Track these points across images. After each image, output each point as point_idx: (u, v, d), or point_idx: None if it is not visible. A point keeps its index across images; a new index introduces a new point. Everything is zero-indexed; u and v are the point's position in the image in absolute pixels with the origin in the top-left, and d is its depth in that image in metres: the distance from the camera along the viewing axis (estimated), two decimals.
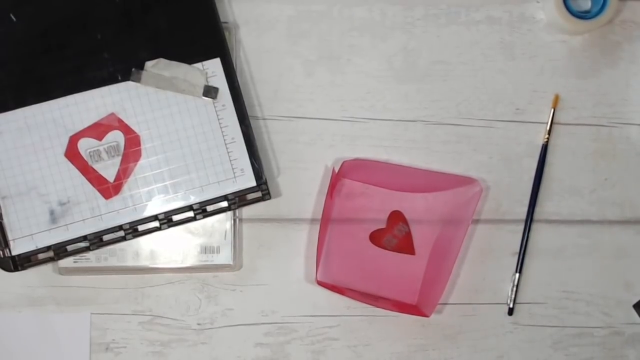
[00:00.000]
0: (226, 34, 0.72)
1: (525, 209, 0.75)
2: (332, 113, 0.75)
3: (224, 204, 0.71)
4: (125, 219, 0.70)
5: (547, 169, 0.76)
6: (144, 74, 0.70)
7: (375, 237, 0.75)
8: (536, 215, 0.75)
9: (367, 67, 0.75)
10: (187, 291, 0.74)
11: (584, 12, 0.76)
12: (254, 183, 0.71)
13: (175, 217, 0.71)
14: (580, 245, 0.76)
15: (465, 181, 0.74)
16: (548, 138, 0.75)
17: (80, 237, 0.70)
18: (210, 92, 0.71)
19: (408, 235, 0.75)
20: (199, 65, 0.71)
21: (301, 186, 0.75)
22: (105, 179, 0.70)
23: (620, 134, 0.76)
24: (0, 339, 0.73)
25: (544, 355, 0.75)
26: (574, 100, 0.76)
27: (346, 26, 0.75)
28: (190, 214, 0.71)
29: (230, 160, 0.71)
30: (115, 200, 0.70)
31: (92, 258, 0.72)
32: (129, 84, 0.70)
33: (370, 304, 0.73)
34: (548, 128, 0.75)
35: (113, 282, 0.74)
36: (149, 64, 0.70)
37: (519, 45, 0.76)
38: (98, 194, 0.70)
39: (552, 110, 0.76)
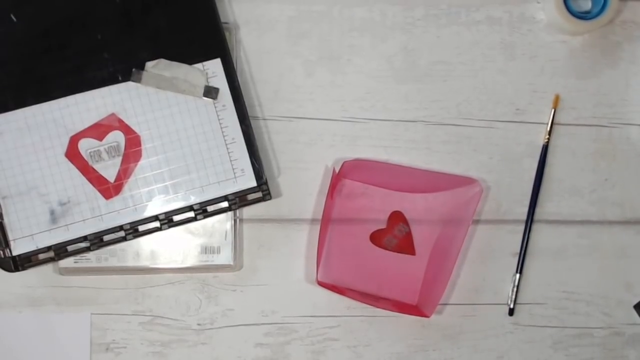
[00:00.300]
0: (226, 34, 0.72)
1: (525, 209, 0.75)
2: (332, 113, 0.75)
3: (225, 204, 0.71)
4: (125, 219, 0.70)
5: (548, 170, 0.76)
6: (145, 74, 0.70)
7: (376, 238, 0.75)
8: (536, 216, 0.75)
9: (367, 67, 0.75)
10: (187, 291, 0.74)
11: (584, 12, 0.76)
12: (254, 183, 0.71)
13: (176, 218, 0.71)
14: (580, 246, 0.76)
15: (465, 181, 0.74)
16: (548, 138, 0.75)
17: (80, 238, 0.70)
18: (210, 92, 0.71)
19: (408, 236, 0.75)
20: (199, 65, 0.71)
21: (301, 186, 0.75)
22: (105, 179, 0.70)
23: (620, 135, 0.76)
24: (0, 339, 0.73)
25: (544, 355, 0.75)
26: (574, 100, 0.76)
27: (346, 26, 0.75)
28: (191, 214, 0.71)
29: (231, 161, 0.71)
30: (116, 200, 0.70)
31: (93, 258, 0.72)
32: (130, 84, 0.70)
33: (371, 305, 0.73)
34: (548, 128, 0.75)
35: (113, 283, 0.74)
36: (149, 64, 0.70)
37: (519, 45, 0.76)
38: (98, 194, 0.70)
39: (553, 111, 0.76)
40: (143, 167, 0.70)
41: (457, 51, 0.76)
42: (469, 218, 0.72)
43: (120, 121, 0.70)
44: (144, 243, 0.72)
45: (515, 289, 0.75)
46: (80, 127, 0.70)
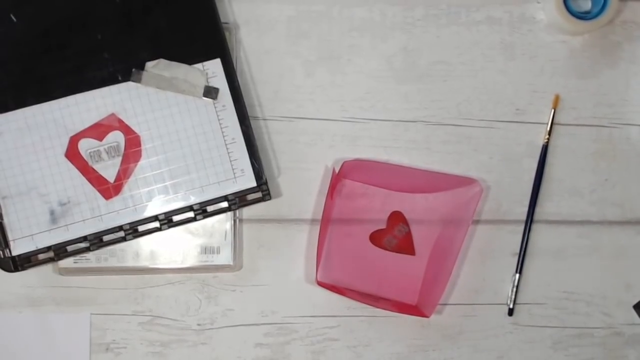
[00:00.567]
0: (226, 34, 0.72)
1: (525, 209, 0.75)
2: (332, 113, 0.75)
3: (224, 204, 0.71)
4: (125, 219, 0.70)
5: (548, 170, 0.76)
6: (145, 74, 0.70)
7: (376, 238, 0.75)
8: (536, 216, 0.75)
9: (367, 67, 0.75)
10: (187, 291, 0.74)
11: (584, 12, 0.76)
12: (254, 183, 0.71)
13: (176, 218, 0.71)
14: (580, 246, 0.76)
15: (465, 181, 0.74)
16: (548, 138, 0.75)
17: (80, 238, 0.70)
18: (210, 92, 0.71)
19: (408, 236, 0.75)
20: (199, 65, 0.71)
21: (301, 186, 0.75)
22: (105, 180, 0.70)
23: (620, 135, 0.76)
24: (0, 339, 0.73)
25: (544, 355, 0.75)
26: (574, 100, 0.76)
27: (346, 26, 0.75)
28: (191, 214, 0.71)
29: (231, 161, 0.71)
30: (116, 200, 0.70)
31: (92, 258, 0.72)
32: (130, 84, 0.70)
33: (370, 305, 0.73)
34: (548, 128, 0.75)
35: (113, 283, 0.74)
36: (149, 65, 0.70)
37: (519, 45, 0.76)
38: (98, 195, 0.70)
39: (553, 111, 0.76)
40: (143, 167, 0.70)
41: (457, 51, 0.76)
42: (469, 218, 0.72)
43: (120, 121, 0.70)
44: (144, 243, 0.72)
45: (515, 289, 0.75)
46: (80, 127, 0.70)
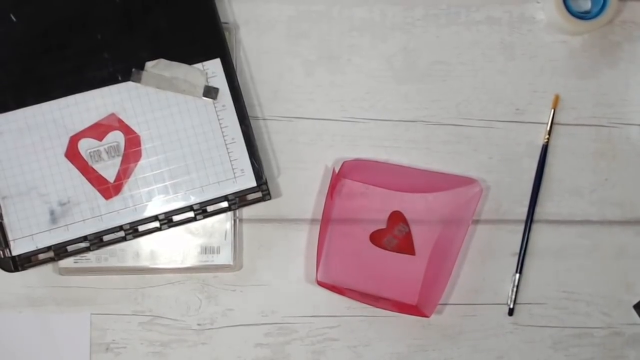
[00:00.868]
0: (226, 34, 0.72)
1: (525, 209, 0.75)
2: (332, 113, 0.75)
3: (224, 204, 0.71)
4: (125, 219, 0.70)
5: (547, 169, 0.76)
6: (144, 74, 0.70)
7: (376, 238, 0.75)
8: (536, 216, 0.75)
9: (367, 67, 0.75)
10: (187, 291, 0.74)
11: (584, 12, 0.76)
12: (254, 183, 0.71)
13: (176, 218, 0.71)
14: (580, 246, 0.76)
15: (465, 181, 0.74)
16: (548, 138, 0.75)
17: (80, 238, 0.70)
18: (210, 92, 0.71)
19: (408, 236, 0.75)
20: (199, 65, 0.71)
21: (301, 186, 0.75)
22: (105, 179, 0.70)
23: (620, 134, 0.76)
24: (0, 339, 0.73)
25: (544, 355, 0.75)
26: (574, 100, 0.76)
27: (346, 26, 0.75)
28: (191, 214, 0.71)
29: (231, 161, 0.71)
30: (116, 200, 0.70)
31: (92, 258, 0.72)
32: (129, 84, 0.70)
33: (370, 305, 0.73)
34: (548, 128, 0.75)
35: (113, 283, 0.74)
36: (149, 64, 0.70)
37: (519, 45, 0.76)
38: (98, 194, 0.70)
39: (552, 111, 0.76)
40: (143, 167, 0.70)
41: (457, 51, 0.76)
42: (469, 218, 0.72)
43: (120, 121, 0.70)
44: (144, 243, 0.72)
45: (515, 289, 0.75)
46: (80, 127, 0.70)
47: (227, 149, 0.71)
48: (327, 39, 0.75)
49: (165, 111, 0.71)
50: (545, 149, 0.75)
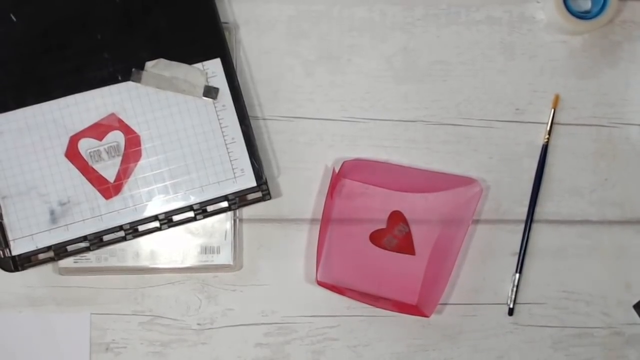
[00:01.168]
0: (226, 34, 0.72)
1: (525, 209, 0.75)
2: (332, 113, 0.75)
3: (224, 204, 0.71)
4: (125, 219, 0.70)
5: (547, 169, 0.76)
6: (144, 74, 0.70)
7: (376, 237, 0.75)
8: (536, 216, 0.75)
9: (367, 67, 0.75)
10: (187, 291, 0.74)
11: (584, 12, 0.76)
12: (254, 183, 0.71)
13: (176, 217, 0.71)
14: (580, 246, 0.76)
15: (465, 181, 0.74)
16: (548, 138, 0.75)
17: (80, 237, 0.70)
18: (210, 92, 0.71)
19: (408, 236, 0.75)
20: (199, 65, 0.71)
21: (301, 186, 0.75)
22: (105, 179, 0.70)
23: (620, 134, 0.76)
24: (0, 339, 0.73)
25: (544, 355, 0.75)
26: (574, 100, 0.76)
27: (346, 26, 0.75)
28: (191, 214, 0.71)
29: (231, 161, 0.71)
30: (116, 200, 0.70)
31: (92, 258, 0.72)
32: (129, 84, 0.70)
33: (370, 304, 0.73)
34: (548, 128, 0.75)
35: (113, 282, 0.74)
36: (149, 64, 0.70)
37: (519, 45, 0.76)
38: (98, 194, 0.70)
39: (552, 111, 0.76)
40: (143, 167, 0.70)
41: (457, 51, 0.76)
42: (469, 218, 0.72)
43: (120, 121, 0.70)
44: (144, 243, 0.72)
45: (515, 289, 0.75)
46: (80, 127, 0.70)
47: (227, 148, 0.71)
48: (327, 39, 0.75)
49: (165, 111, 0.71)
50: (545, 149, 0.75)
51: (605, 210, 0.76)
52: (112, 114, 0.70)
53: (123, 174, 0.70)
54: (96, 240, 0.70)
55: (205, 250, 0.73)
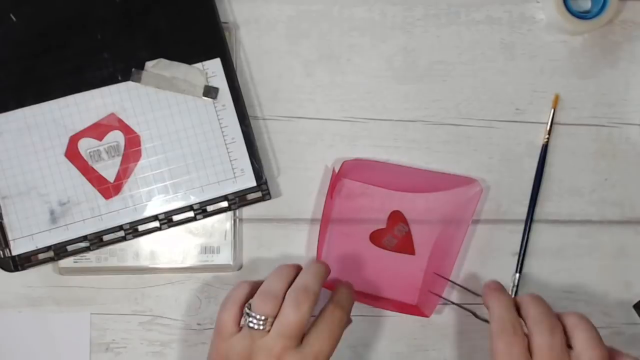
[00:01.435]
0: (226, 34, 0.72)
1: (525, 209, 0.75)
2: (332, 113, 0.75)
3: (224, 204, 0.71)
4: (125, 219, 0.70)
5: (547, 169, 0.76)
6: (144, 74, 0.70)
7: (376, 237, 0.75)
8: (536, 215, 0.75)
9: (367, 67, 0.75)
10: (187, 291, 0.74)
11: (584, 12, 0.76)
12: (254, 183, 0.71)
13: (176, 217, 0.71)
14: (580, 245, 0.76)
15: (465, 181, 0.74)
16: (548, 138, 0.75)
17: (80, 237, 0.70)
18: (210, 92, 0.71)
19: (408, 235, 0.75)
20: (199, 65, 0.71)
21: (301, 186, 0.75)
22: (105, 179, 0.70)
23: (620, 134, 0.76)
24: (0, 339, 0.73)
25: None
26: (574, 100, 0.76)
27: (346, 26, 0.75)
28: (191, 214, 0.71)
29: (231, 161, 0.71)
30: (116, 200, 0.70)
31: (92, 258, 0.72)
32: (129, 84, 0.70)
33: (370, 305, 0.73)
34: (548, 128, 0.75)
35: (113, 282, 0.74)
36: (149, 64, 0.70)
37: (519, 45, 0.76)
38: (98, 194, 0.70)
39: (552, 111, 0.76)
40: (143, 167, 0.70)
41: (457, 51, 0.76)
42: (469, 218, 0.72)
43: (120, 121, 0.70)
44: (144, 243, 0.72)
45: (515, 289, 0.75)
46: (80, 127, 0.70)
47: (227, 148, 0.71)
48: (327, 39, 0.75)
49: (165, 111, 0.71)
50: (545, 149, 0.75)
51: (605, 210, 0.76)
52: (112, 114, 0.70)
53: (123, 173, 0.70)
54: (96, 240, 0.70)
55: (205, 250, 0.73)
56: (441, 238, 0.74)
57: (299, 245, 0.75)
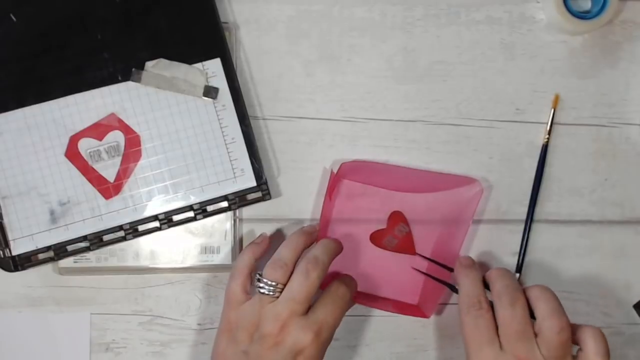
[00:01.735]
0: (226, 34, 0.72)
1: (525, 209, 0.75)
2: (332, 113, 0.75)
3: (224, 204, 0.71)
4: (125, 219, 0.70)
5: (547, 169, 0.76)
6: (144, 74, 0.70)
7: (376, 238, 0.75)
8: (536, 215, 0.75)
9: (367, 67, 0.75)
10: (187, 291, 0.74)
11: (584, 12, 0.76)
12: (254, 183, 0.71)
13: (176, 217, 0.71)
14: (580, 245, 0.76)
15: (465, 181, 0.74)
16: (548, 138, 0.75)
17: (80, 237, 0.70)
18: (210, 92, 0.71)
19: (409, 236, 0.75)
20: (199, 65, 0.71)
21: (301, 186, 0.75)
22: (105, 179, 0.70)
23: (620, 134, 0.76)
24: (0, 339, 0.73)
25: None
26: (574, 100, 0.76)
27: (346, 26, 0.75)
28: (191, 214, 0.71)
29: (231, 160, 0.71)
30: (116, 200, 0.70)
31: (92, 258, 0.72)
32: (129, 84, 0.70)
33: (370, 306, 0.73)
34: (548, 128, 0.75)
35: (113, 282, 0.74)
36: (149, 64, 0.70)
37: (519, 45, 0.76)
38: (98, 194, 0.70)
39: (552, 111, 0.76)
40: (143, 167, 0.70)
41: (457, 51, 0.76)
42: (469, 218, 0.72)
43: (120, 121, 0.70)
44: (144, 243, 0.72)
45: None
46: (80, 127, 0.70)
47: (227, 148, 0.71)
48: (327, 39, 0.75)
49: (165, 111, 0.71)
50: (545, 149, 0.75)
51: (605, 210, 0.76)
52: (112, 114, 0.70)
53: (123, 173, 0.70)
54: (96, 240, 0.70)
55: (205, 250, 0.73)
56: (442, 238, 0.74)
57: None
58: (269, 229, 0.75)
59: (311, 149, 0.75)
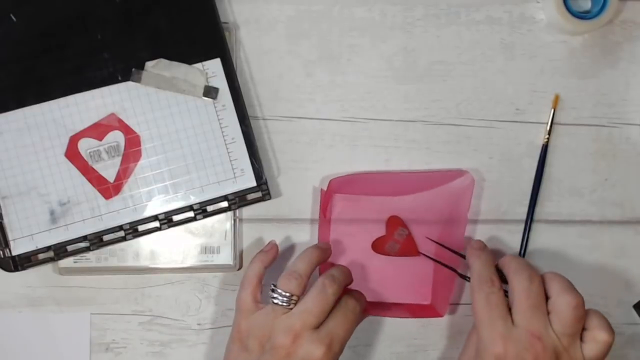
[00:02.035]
0: (226, 34, 0.72)
1: (525, 209, 0.75)
2: (332, 113, 0.75)
3: (224, 204, 0.71)
4: (125, 219, 0.70)
5: (547, 169, 0.76)
6: (144, 74, 0.70)
7: (378, 246, 0.74)
8: (536, 215, 0.75)
9: (367, 67, 0.75)
10: (187, 291, 0.74)
11: (584, 12, 0.76)
12: (254, 183, 0.71)
13: (176, 217, 0.71)
14: (580, 245, 0.76)
15: (455, 174, 0.73)
16: (548, 138, 0.75)
17: (80, 237, 0.70)
18: (210, 92, 0.71)
19: (409, 238, 0.75)
20: (199, 65, 0.71)
21: (301, 186, 0.75)
22: (105, 179, 0.70)
23: (620, 134, 0.76)
24: (0, 339, 0.73)
25: None
26: (574, 100, 0.76)
27: (346, 26, 0.75)
28: (191, 214, 0.71)
29: (231, 161, 0.71)
30: (116, 200, 0.70)
31: (92, 258, 0.72)
32: (129, 84, 0.70)
33: (383, 315, 0.73)
34: (548, 128, 0.75)
35: (113, 282, 0.74)
36: (149, 64, 0.70)
37: (519, 45, 0.76)
38: (98, 194, 0.70)
39: (552, 111, 0.76)
40: (143, 167, 0.70)
41: (457, 51, 0.76)
42: (466, 209, 0.72)
43: (120, 121, 0.70)
44: (144, 243, 0.72)
45: None
46: (80, 127, 0.70)
47: (227, 149, 0.71)
48: (327, 39, 0.75)
49: (165, 111, 0.71)
50: (545, 149, 0.75)
51: (605, 210, 0.76)
52: (112, 114, 0.70)
53: (123, 174, 0.70)
54: (96, 240, 0.70)
55: (205, 250, 0.73)
56: (443, 235, 0.74)
57: (299, 245, 0.75)
58: (269, 229, 0.75)
59: (311, 149, 0.75)
